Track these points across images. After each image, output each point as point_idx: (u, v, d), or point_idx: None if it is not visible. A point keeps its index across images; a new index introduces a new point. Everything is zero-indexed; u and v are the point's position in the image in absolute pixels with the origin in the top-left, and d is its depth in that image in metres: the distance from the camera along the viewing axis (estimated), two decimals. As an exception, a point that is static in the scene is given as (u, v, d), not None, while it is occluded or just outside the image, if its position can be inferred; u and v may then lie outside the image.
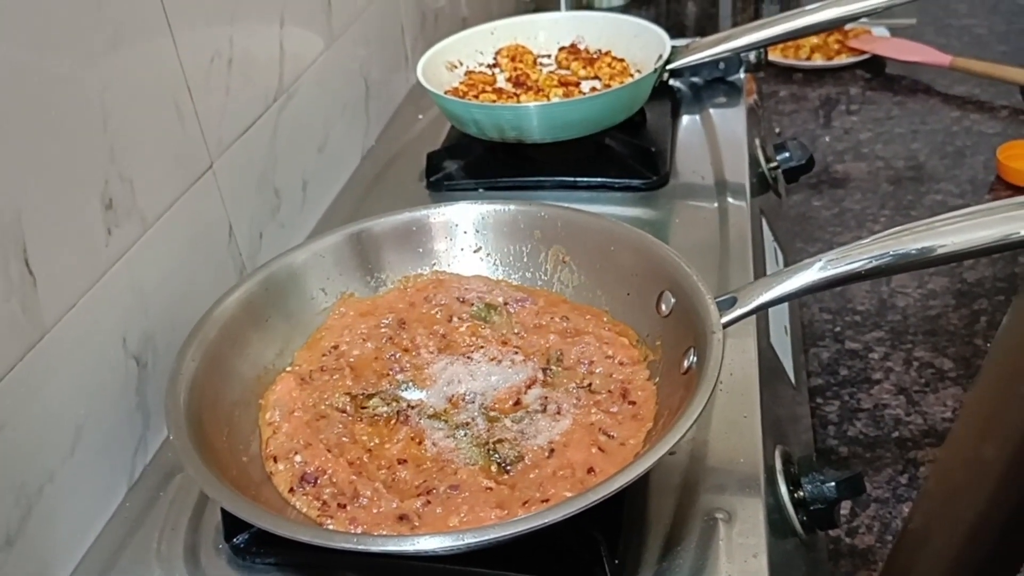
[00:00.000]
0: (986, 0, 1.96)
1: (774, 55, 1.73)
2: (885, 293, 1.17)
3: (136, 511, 0.68)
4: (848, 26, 1.76)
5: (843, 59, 1.72)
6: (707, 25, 1.99)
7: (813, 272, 0.65)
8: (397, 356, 0.72)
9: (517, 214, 0.78)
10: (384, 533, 0.57)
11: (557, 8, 1.85)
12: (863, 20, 1.79)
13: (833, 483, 0.67)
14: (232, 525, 0.62)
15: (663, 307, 0.69)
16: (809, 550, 0.71)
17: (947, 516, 0.34)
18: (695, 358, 0.62)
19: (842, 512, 0.88)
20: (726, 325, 0.62)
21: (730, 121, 1.11)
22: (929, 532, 0.35)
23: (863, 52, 1.72)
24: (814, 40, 1.74)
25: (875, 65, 1.73)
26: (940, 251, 0.64)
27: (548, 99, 1.04)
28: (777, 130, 1.55)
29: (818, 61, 1.72)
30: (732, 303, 0.64)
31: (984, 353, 1.07)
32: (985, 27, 1.84)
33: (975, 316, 1.12)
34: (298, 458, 0.63)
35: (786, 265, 0.99)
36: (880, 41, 1.73)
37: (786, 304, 0.94)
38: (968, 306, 1.14)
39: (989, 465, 0.32)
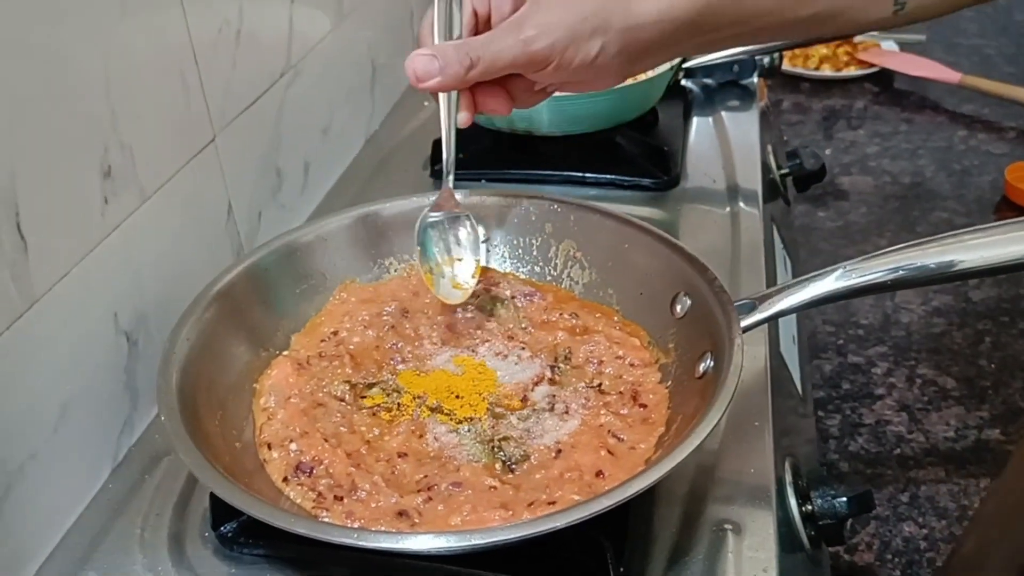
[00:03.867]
0: (996, 21, 1.95)
1: (782, 64, 1.71)
2: (889, 308, 1.15)
3: (119, 494, 0.65)
4: (857, 39, 1.75)
5: (851, 71, 1.71)
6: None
7: (831, 281, 0.62)
8: (399, 346, 0.69)
9: (529, 206, 0.76)
10: (383, 529, 0.54)
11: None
12: (873, 33, 1.77)
13: (844, 499, 0.65)
14: (220, 513, 0.59)
15: (677, 309, 0.66)
16: (814, 566, 0.69)
17: (1007, 542, 0.32)
18: (711, 363, 0.60)
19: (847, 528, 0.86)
20: (745, 330, 0.60)
21: (742, 125, 1.09)
22: (985, 557, 0.33)
23: (872, 65, 1.71)
24: (823, 50, 1.73)
25: (883, 79, 1.72)
26: (962, 266, 0.62)
27: (560, 92, 1.01)
28: (784, 138, 1.53)
29: (826, 71, 1.71)
30: (751, 308, 0.62)
31: (988, 374, 1.05)
32: (994, 48, 1.83)
33: (979, 336, 1.11)
34: (293, 446, 0.60)
35: (794, 274, 0.97)
36: (889, 55, 1.72)
37: (794, 314, 0.92)
38: (972, 326, 1.12)
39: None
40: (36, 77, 0.57)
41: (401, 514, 0.55)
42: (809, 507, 0.66)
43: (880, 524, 0.88)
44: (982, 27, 1.92)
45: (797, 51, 1.74)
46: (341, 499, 0.57)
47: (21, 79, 0.56)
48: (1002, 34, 1.89)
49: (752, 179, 0.98)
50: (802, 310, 0.65)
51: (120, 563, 0.60)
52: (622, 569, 0.55)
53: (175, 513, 0.63)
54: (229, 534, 0.59)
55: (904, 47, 1.76)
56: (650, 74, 1.03)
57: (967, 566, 0.33)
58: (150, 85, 0.69)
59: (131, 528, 0.62)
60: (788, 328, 0.88)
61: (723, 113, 1.12)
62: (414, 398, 0.65)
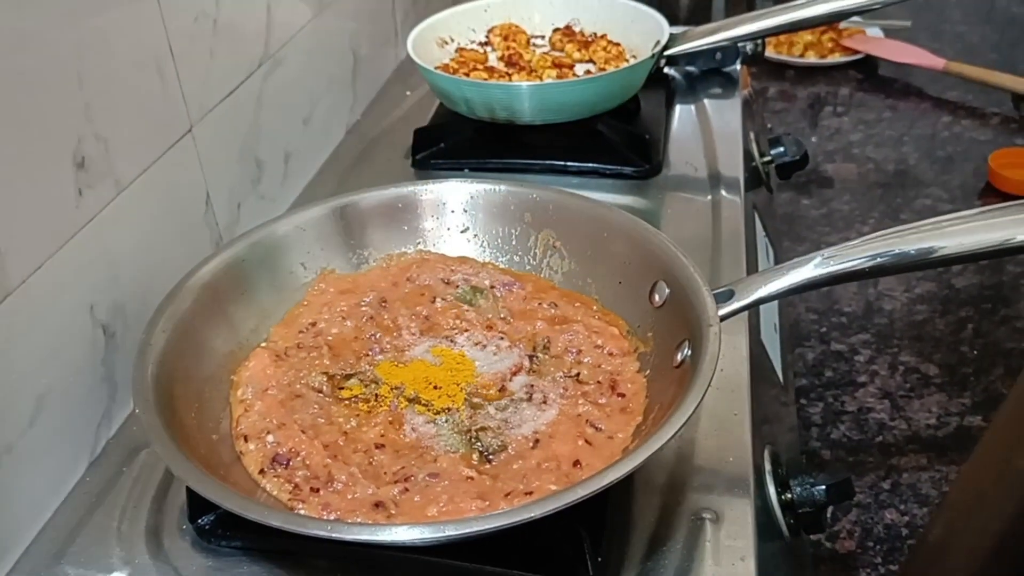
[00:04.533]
0: (980, 8, 1.95)
1: (767, 51, 1.71)
2: (872, 295, 1.15)
3: (97, 487, 0.65)
4: (842, 25, 1.75)
5: (836, 58, 1.71)
6: (700, 16, 1.97)
7: (810, 268, 0.63)
8: (377, 336, 0.69)
9: (508, 195, 0.75)
10: (359, 521, 0.54)
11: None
12: (857, 20, 1.77)
13: (823, 487, 0.65)
14: (197, 506, 0.59)
15: (656, 298, 0.66)
16: (794, 554, 0.69)
17: (972, 528, 0.32)
18: (689, 351, 0.60)
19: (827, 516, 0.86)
20: (723, 318, 0.60)
21: (725, 113, 1.09)
22: (951, 543, 0.33)
23: (857, 52, 1.70)
24: (808, 37, 1.73)
25: (868, 66, 1.72)
26: (941, 252, 0.62)
27: (541, 80, 1.01)
28: (768, 126, 1.53)
29: (811, 59, 1.71)
30: (729, 296, 0.62)
31: (970, 361, 1.05)
32: (978, 35, 1.83)
33: (961, 323, 1.11)
34: (270, 438, 0.60)
35: (776, 263, 0.97)
36: (874, 41, 1.72)
37: (776, 302, 0.92)
38: (955, 313, 1.13)
39: (1022, 476, 0.30)
40: (6, 67, 0.56)
41: (378, 505, 0.55)
42: (788, 495, 0.66)
43: (862, 511, 0.89)
44: (966, 14, 1.92)
45: (782, 38, 1.73)
46: (317, 491, 0.56)
47: (-9, 70, 0.55)
48: (986, 21, 1.89)
49: (734, 167, 0.98)
50: (781, 297, 0.65)
51: (97, 556, 0.60)
52: (600, 559, 0.55)
53: (153, 505, 0.63)
54: (207, 526, 0.59)
55: (889, 33, 1.76)
56: (632, 62, 1.03)
57: (934, 553, 0.34)
58: (124, 75, 0.68)
59: (108, 521, 0.62)
60: (769, 316, 0.88)
61: (706, 101, 1.12)
62: (392, 389, 0.64)
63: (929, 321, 1.12)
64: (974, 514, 0.32)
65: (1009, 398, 0.32)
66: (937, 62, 1.61)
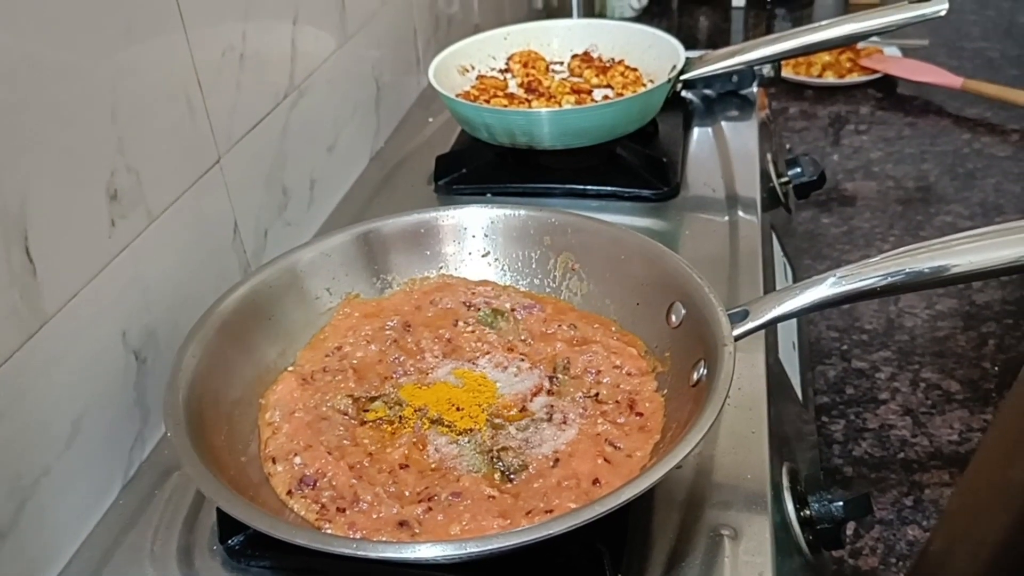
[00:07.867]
0: (999, 24, 1.96)
1: (785, 71, 1.73)
2: (893, 313, 1.16)
3: (131, 509, 0.67)
4: (860, 45, 1.76)
5: (854, 77, 1.72)
6: (719, 39, 1.99)
7: (825, 288, 0.64)
8: (401, 359, 0.71)
9: (527, 219, 0.77)
10: (384, 539, 0.56)
11: (569, 15, 1.85)
12: (875, 39, 1.78)
13: (841, 503, 0.66)
14: (228, 526, 0.61)
15: (673, 318, 0.68)
16: (814, 570, 0.70)
17: (970, 538, 0.33)
18: (705, 371, 0.61)
19: (846, 533, 0.87)
20: (738, 338, 0.61)
21: (742, 134, 1.10)
22: (950, 554, 0.34)
23: (875, 71, 1.72)
24: (826, 58, 1.74)
25: (886, 84, 1.73)
26: (954, 270, 0.63)
27: (560, 106, 1.03)
28: (788, 146, 1.54)
29: (829, 79, 1.72)
30: (744, 316, 0.63)
31: (992, 376, 1.06)
32: (998, 51, 1.83)
33: (983, 339, 1.11)
34: (297, 460, 0.62)
35: (795, 281, 0.98)
36: (892, 61, 1.73)
37: (794, 320, 0.93)
38: (976, 328, 1.13)
39: (1016, 487, 0.31)
40: (44, 103, 0.59)
41: (402, 524, 0.57)
42: (807, 512, 0.67)
43: (884, 528, 0.89)
44: (985, 30, 1.92)
45: (800, 59, 1.75)
46: (344, 511, 0.58)
47: (30, 106, 0.58)
48: (1005, 37, 1.90)
49: (751, 188, 0.99)
50: (796, 317, 0.66)
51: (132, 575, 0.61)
52: (620, 574, 0.56)
53: (184, 526, 0.65)
54: (236, 547, 0.60)
55: (907, 52, 1.77)
56: (649, 86, 1.05)
57: (935, 563, 0.34)
58: (155, 109, 0.70)
59: (142, 541, 0.64)
60: (788, 334, 0.89)
61: (723, 123, 1.13)
62: (415, 411, 0.66)
63: (951, 337, 1.12)
64: (972, 525, 0.33)
65: (1002, 410, 0.33)
66: (955, 80, 1.61)
